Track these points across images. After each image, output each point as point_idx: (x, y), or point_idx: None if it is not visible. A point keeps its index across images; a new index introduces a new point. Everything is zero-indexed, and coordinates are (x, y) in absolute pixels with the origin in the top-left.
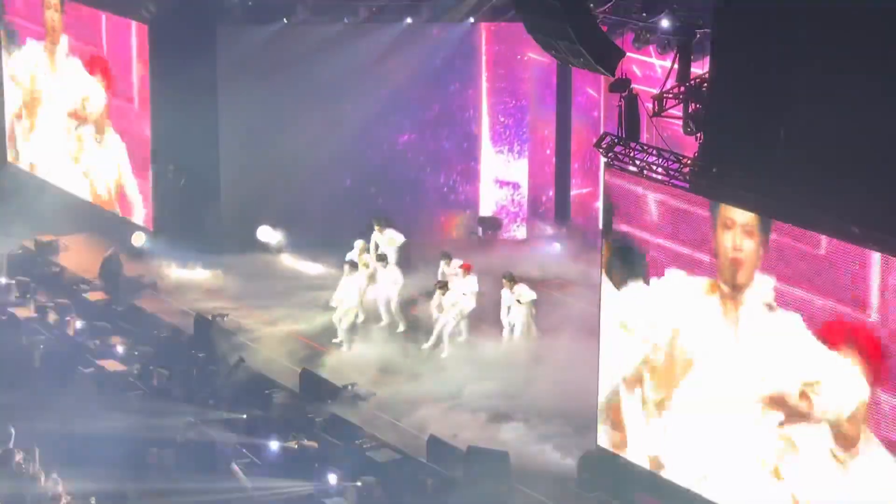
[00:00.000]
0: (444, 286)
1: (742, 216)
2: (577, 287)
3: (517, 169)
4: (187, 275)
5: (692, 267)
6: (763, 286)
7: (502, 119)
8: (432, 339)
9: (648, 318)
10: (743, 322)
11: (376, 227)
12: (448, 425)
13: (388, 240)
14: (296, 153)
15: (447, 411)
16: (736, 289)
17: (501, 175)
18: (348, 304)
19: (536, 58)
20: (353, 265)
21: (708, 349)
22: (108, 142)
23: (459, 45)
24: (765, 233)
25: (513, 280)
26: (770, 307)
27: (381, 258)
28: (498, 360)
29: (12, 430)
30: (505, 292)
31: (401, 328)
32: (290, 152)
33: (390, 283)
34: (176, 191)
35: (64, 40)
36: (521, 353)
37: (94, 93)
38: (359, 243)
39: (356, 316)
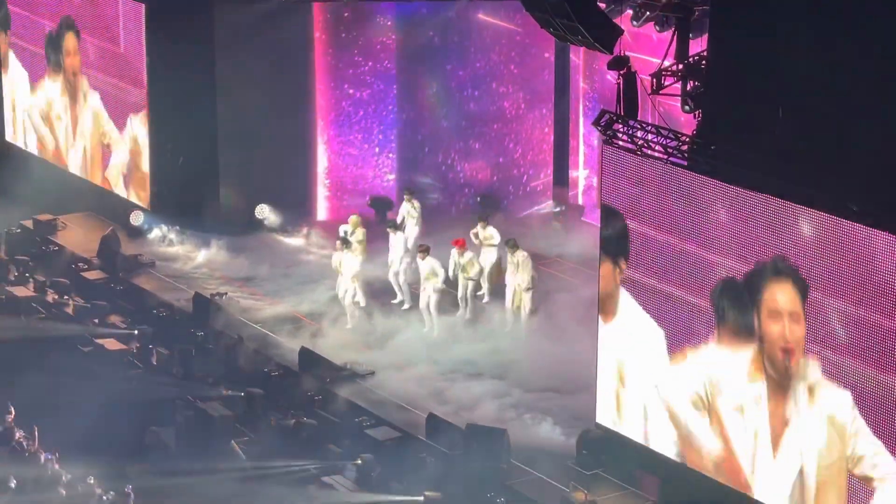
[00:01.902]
0: (426, 250)
1: (787, 303)
2: (576, 265)
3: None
4: (185, 253)
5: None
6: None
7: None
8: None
9: None
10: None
11: (406, 198)
12: (445, 401)
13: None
14: (294, 131)
15: (444, 387)
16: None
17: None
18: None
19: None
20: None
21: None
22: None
23: (456, 23)
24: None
25: (515, 247)
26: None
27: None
28: (497, 337)
29: (12, 409)
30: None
31: (405, 304)
32: (288, 131)
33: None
34: (174, 170)
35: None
36: (520, 330)
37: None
38: (353, 219)
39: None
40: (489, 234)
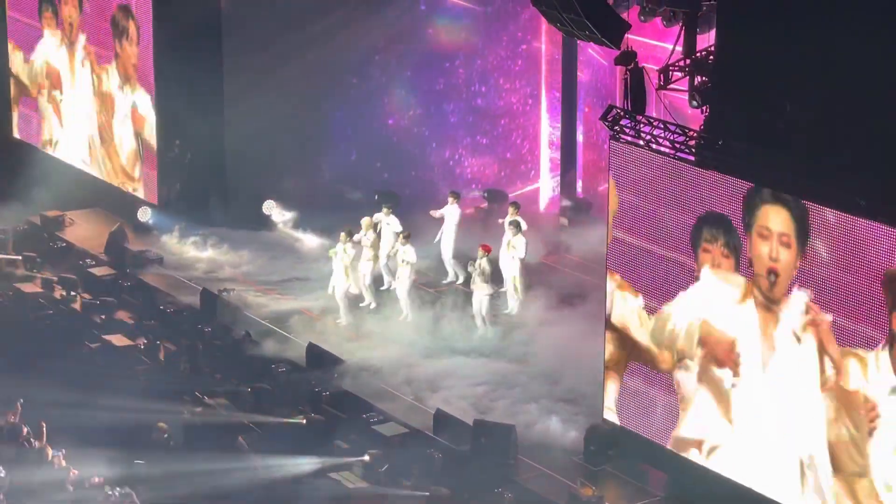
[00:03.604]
0: (407, 237)
1: (778, 225)
2: (583, 260)
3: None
4: (193, 249)
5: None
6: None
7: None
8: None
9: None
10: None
11: (384, 209)
12: (452, 398)
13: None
14: (301, 127)
15: (451, 383)
16: (772, 302)
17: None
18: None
19: None
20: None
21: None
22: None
23: (464, 19)
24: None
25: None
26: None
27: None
28: (503, 333)
29: (18, 406)
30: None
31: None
32: (295, 126)
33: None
34: (182, 166)
35: (81, 38)
36: (526, 325)
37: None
38: (365, 221)
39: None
40: (517, 242)
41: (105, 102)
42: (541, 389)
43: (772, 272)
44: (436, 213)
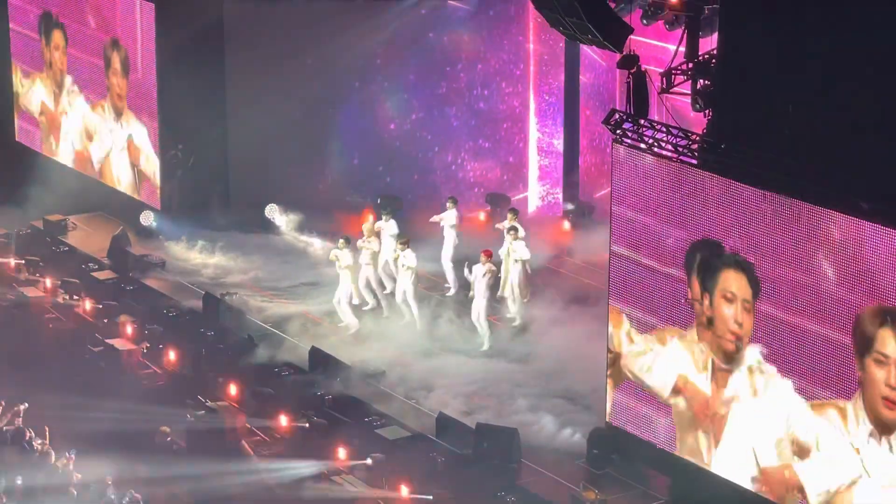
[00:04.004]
0: (405, 242)
1: (742, 290)
2: (586, 264)
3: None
4: (196, 253)
5: None
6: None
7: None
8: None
9: None
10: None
11: (383, 216)
12: (454, 402)
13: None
14: (303, 131)
15: (452, 387)
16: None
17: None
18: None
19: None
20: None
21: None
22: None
23: (466, 23)
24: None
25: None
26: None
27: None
28: (506, 334)
29: (22, 410)
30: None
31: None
32: (298, 130)
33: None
34: (184, 170)
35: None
36: (528, 329)
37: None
38: (367, 225)
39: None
40: (517, 247)
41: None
42: (543, 393)
43: (737, 337)
44: (437, 219)
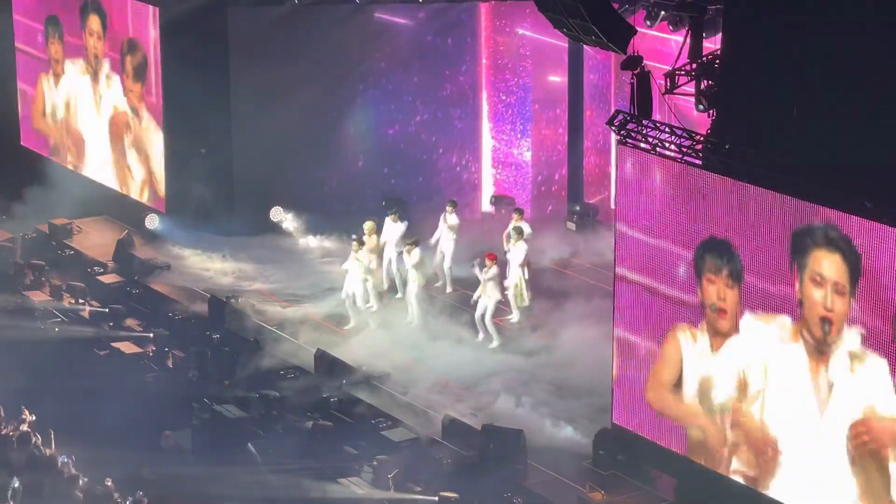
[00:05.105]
0: (414, 243)
1: (832, 272)
2: (591, 266)
3: (522, 148)
4: (201, 256)
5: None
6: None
7: (503, 97)
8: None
9: None
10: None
11: (391, 216)
12: (459, 403)
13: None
14: (308, 134)
15: (457, 388)
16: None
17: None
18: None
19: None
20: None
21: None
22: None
23: (468, 25)
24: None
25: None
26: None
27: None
28: (511, 336)
29: (28, 414)
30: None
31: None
32: (302, 133)
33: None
34: (190, 173)
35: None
36: (532, 331)
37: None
38: (368, 225)
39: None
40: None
41: (121, 130)
42: (549, 394)
43: (826, 321)
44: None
